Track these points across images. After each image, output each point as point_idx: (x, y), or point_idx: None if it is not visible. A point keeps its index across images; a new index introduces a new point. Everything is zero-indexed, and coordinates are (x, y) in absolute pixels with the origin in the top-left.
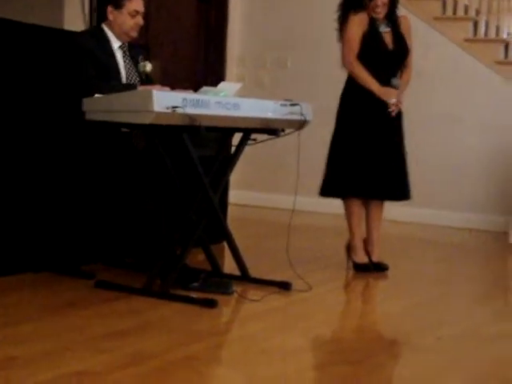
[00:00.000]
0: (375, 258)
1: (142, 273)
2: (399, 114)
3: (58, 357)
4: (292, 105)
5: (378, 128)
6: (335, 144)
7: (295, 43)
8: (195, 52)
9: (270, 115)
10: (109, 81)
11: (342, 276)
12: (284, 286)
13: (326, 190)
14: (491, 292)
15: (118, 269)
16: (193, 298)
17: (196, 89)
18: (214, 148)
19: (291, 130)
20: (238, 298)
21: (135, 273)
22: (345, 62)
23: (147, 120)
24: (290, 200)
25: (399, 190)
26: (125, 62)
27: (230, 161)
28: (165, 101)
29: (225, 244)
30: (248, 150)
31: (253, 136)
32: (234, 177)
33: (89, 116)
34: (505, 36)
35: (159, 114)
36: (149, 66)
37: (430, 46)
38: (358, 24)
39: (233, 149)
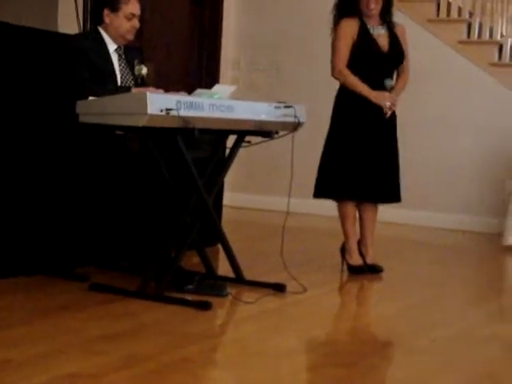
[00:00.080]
0: (369, 260)
1: (137, 275)
2: (393, 117)
3: (52, 359)
4: (286, 107)
5: (371, 131)
6: (329, 146)
7: (289, 46)
8: (189, 55)
9: (263, 117)
10: (104, 84)
11: (336, 278)
12: (278, 288)
13: (320, 192)
14: (485, 294)
15: (112, 271)
16: (187, 300)
17: (190, 91)
18: (208, 150)
19: (285, 132)
20: (233, 300)
21: (130, 275)
22: (334, 72)
23: (141, 122)
24: (284, 202)
25: (391, 193)
26: (120, 65)
27: (224, 163)
28: (159, 103)
29: (219, 246)
30: (242, 152)
31: (247, 138)
32: (229, 179)
33: (83, 119)
34: (498, 38)
35: (153, 116)
36: (144, 70)
37: (423, 48)
38: (348, 31)
39: (227, 151)
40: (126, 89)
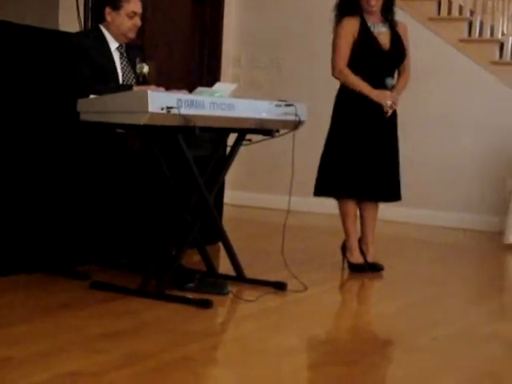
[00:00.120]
0: (370, 259)
1: (138, 273)
2: (394, 116)
3: (53, 357)
4: (287, 105)
5: (371, 130)
6: (329, 145)
7: (290, 43)
8: (190, 53)
9: (264, 116)
10: (105, 82)
11: (337, 276)
12: (279, 287)
13: (321, 190)
14: (486, 292)
15: (113, 269)
16: (188, 298)
17: (191, 89)
18: (208, 148)
19: (286, 130)
20: (234, 298)
21: (131, 273)
22: (335, 72)
23: (142, 121)
24: (284, 200)
25: (391, 192)
26: (122, 63)
27: (225, 161)
28: (160, 101)
29: (220, 244)
30: (243, 150)
31: (248, 136)
32: (229, 177)
33: (84, 117)
34: (499, 36)
35: (154, 114)
36: (146, 68)
37: (424, 47)
38: (348, 30)
39: (228, 149)
40: (127, 87)
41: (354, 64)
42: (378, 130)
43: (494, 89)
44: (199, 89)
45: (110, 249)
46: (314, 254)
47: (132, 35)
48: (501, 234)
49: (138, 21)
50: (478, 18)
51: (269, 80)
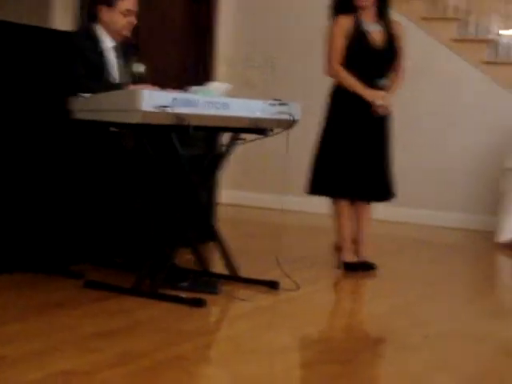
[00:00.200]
0: (363, 258)
1: (131, 272)
2: (387, 116)
3: (46, 356)
4: (281, 104)
5: (364, 129)
6: (322, 143)
7: (284, 43)
8: (185, 51)
9: (258, 115)
10: (100, 80)
11: (330, 275)
12: (272, 286)
13: (315, 189)
14: (479, 291)
15: (106, 269)
16: (182, 297)
17: (185, 88)
18: (202, 147)
19: (280, 129)
20: (227, 297)
21: (124, 273)
22: (328, 70)
23: (135, 119)
24: (278, 200)
25: (383, 192)
26: (117, 62)
27: (219, 160)
28: (153, 100)
29: (213, 244)
30: (237, 149)
31: (242, 136)
32: (224, 177)
33: (77, 115)
34: (492, 36)
35: (147, 113)
36: (142, 67)
37: (417, 46)
38: (342, 28)
39: (222, 148)
40: (120, 85)
41: (347, 62)
42: (370, 130)
43: (486, 88)
44: (193, 88)
45: (103, 248)
46: (307, 253)
47: (127, 33)
48: (495, 233)
49: (132, 19)
50: (471, 18)
51: (263, 79)
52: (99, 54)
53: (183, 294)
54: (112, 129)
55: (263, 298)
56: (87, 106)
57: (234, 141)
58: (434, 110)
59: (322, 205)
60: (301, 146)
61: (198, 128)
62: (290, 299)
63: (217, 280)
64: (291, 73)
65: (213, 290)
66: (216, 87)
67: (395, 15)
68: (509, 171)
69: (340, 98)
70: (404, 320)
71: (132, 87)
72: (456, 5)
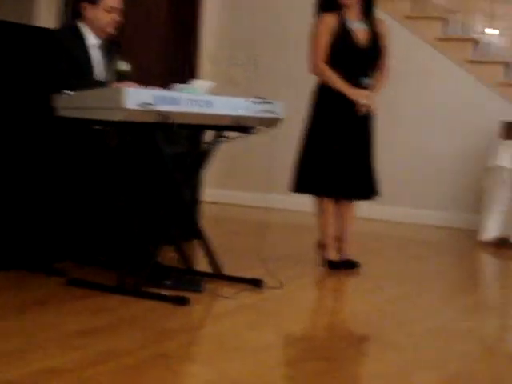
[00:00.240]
0: (346, 256)
1: (115, 270)
2: (370, 114)
3: (29, 354)
4: (264, 103)
5: (347, 127)
6: (306, 141)
7: (267, 42)
8: (169, 50)
9: (241, 113)
10: (84, 78)
11: (313, 273)
12: (256, 283)
13: (299, 187)
14: (462, 289)
15: (90, 266)
16: (165, 295)
17: (169, 86)
18: (186, 145)
19: (264, 127)
20: (211, 295)
21: (108, 271)
22: (312, 67)
23: (118, 117)
24: (262, 198)
25: (367, 190)
26: (102, 59)
27: (203, 158)
28: (137, 98)
29: (197, 241)
30: (221, 147)
31: (226, 134)
32: (208, 175)
33: (60, 112)
34: (477, 35)
35: (131, 111)
36: (126, 66)
37: (401, 45)
38: (326, 26)
39: (205, 146)
40: (103, 83)
41: (332, 61)
42: (354, 128)
43: (470, 87)
44: (177, 86)
45: (87, 246)
46: (291, 251)
47: (111, 30)
48: (477, 231)
49: (116, 16)
50: (455, 17)
51: (246, 77)
52: (84, 51)
53: (166, 292)
54: (96, 127)
55: (247, 296)
56: (71, 103)
57: (217, 139)
58: (418, 108)
59: (305, 203)
60: (284, 145)
61: (181, 126)
62: (274, 297)
63: (201, 278)
64: (274, 71)
65: (197, 288)
66: (200, 85)
67: (380, 14)
68: (491, 170)
69: (324, 96)
70: (387, 318)
71: (116, 85)
72: (440, 4)
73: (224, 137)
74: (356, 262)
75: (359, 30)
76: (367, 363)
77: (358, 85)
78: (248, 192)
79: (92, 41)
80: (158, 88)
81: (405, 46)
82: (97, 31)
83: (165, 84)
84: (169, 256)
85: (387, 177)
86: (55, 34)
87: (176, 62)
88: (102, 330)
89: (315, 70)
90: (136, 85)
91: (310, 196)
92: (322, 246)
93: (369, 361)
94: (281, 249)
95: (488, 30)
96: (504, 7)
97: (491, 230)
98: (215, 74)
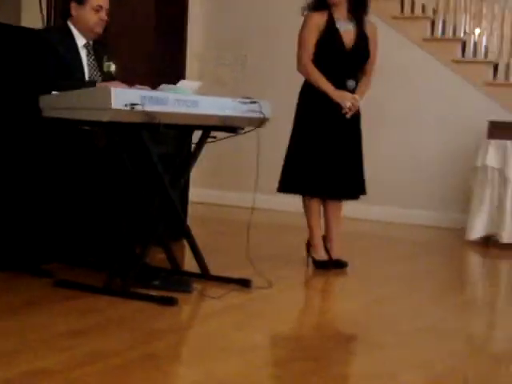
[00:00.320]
0: (335, 255)
1: (103, 271)
2: (357, 116)
3: (18, 355)
4: (251, 102)
5: (334, 127)
6: (293, 142)
7: (254, 42)
8: (155, 50)
9: (229, 113)
10: (70, 79)
11: (301, 273)
12: (244, 284)
13: (285, 187)
14: (449, 288)
15: (78, 267)
16: (153, 296)
17: (155, 86)
18: (173, 145)
19: (250, 127)
20: (198, 295)
21: (96, 271)
22: (299, 66)
23: (105, 117)
24: (250, 198)
25: (354, 190)
26: (89, 60)
27: (190, 158)
28: (123, 98)
29: (185, 242)
30: (208, 148)
31: (212, 134)
32: (195, 175)
33: (47, 113)
34: (463, 35)
35: (118, 111)
36: (113, 67)
37: (387, 45)
38: (314, 25)
39: (193, 146)
40: (91, 83)
41: (317, 60)
42: (340, 128)
43: (456, 87)
44: (163, 86)
45: (75, 246)
46: (279, 251)
47: (99, 30)
48: (465, 230)
49: (103, 15)
50: (441, 17)
51: (233, 77)
52: (73, 51)
53: (154, 293)
54: (84, 127)
55: (235, 296)
56: (58, 103)
57: (204, 139)
58: (405, 108)
59: (291, 203)
60: (271, 144)
61: (168, 126)
62: (262, 297)
63: (189, 278)
64: (261, 71)
65: (186, 289)
66: (186, 85)
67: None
68: (479, 170)
69: (311, 96)
70: (375, 317)
71: (103, 85)
72: (426, 4)
73: (211, 137)
74: (344, 262)
75: (347, 30)
76: (355, 363)
77: (343, 87)
78: (234, 192)
79: (81, 41)
80: (144, 88)
81: (391, 47)
82: (84, 31)
83: (151, 84)
84: (157, 257)
85: (375, 177)
86: (42, 33)
87: (163, 62)
88: (90, 330)
89: (303, 70)
90: (123, 85)
91: (297, 196)
92: (310, 245)
93: (356, 360)
94: (268, 249)
95: (475, 30)
96: (490, 7)
97: (479, 229)
98: (202, 73)
